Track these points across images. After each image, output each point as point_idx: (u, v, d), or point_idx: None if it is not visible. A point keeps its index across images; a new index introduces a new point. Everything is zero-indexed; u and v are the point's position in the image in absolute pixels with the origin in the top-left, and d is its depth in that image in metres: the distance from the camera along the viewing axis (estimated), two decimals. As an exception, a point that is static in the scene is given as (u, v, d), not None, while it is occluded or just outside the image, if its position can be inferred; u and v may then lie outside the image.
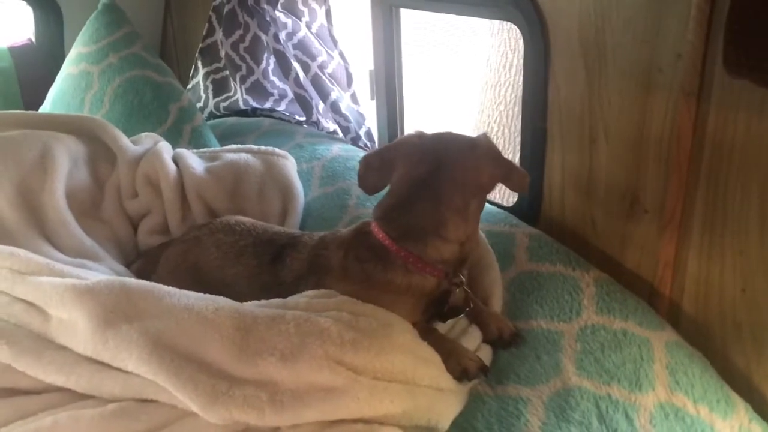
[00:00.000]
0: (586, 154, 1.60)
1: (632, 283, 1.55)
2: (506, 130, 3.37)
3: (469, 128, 3.50)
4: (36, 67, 3.00)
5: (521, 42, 1.73)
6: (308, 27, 2.48)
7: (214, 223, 1.75)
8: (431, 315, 1.42)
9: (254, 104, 2.75)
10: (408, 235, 1.38)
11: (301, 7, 2.46)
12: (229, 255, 1.62)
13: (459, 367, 1.31)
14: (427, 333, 1.37)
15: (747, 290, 1.35)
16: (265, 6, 2.45)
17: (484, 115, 3.81)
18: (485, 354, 1.40)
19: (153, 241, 1.91)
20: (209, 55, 2.81)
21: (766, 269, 1.31)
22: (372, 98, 2.39)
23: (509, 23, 1.98)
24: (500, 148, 3.34)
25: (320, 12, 2.46)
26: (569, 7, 1.53)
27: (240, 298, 1.40)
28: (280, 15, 2.46)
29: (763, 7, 1.02)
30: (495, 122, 3.85)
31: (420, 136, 1.46)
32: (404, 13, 2.19)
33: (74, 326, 1.30)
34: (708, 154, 1.36)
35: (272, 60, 2.63)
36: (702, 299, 1.45)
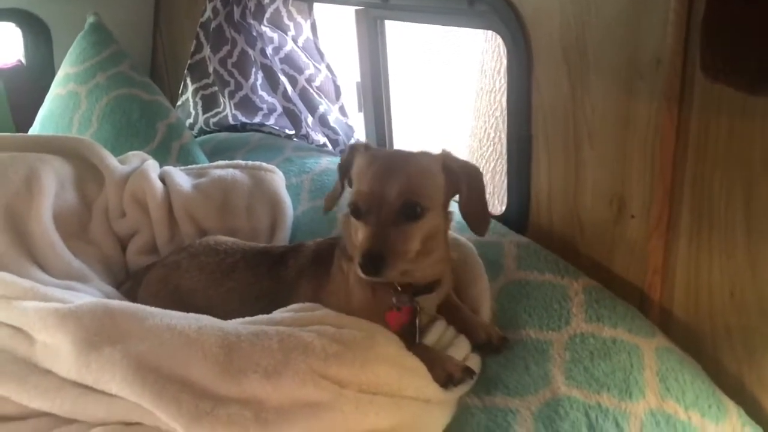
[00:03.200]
0: (572, 160, 1.60)
1: (622, 289, 1.54)
2: (502, 135, 3.36)
3: (465, 134, 3.51)
4: (26, 88, 3.00)
5: (506, 50, 1.72)
6: (294, 41, 2.49)
7: (194, 246, 1.75)
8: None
9: (243, 119, 2.75)
10: None
11: (286, 21, 2.46)
12: (216, 274, 1.62)
13: (444, 373, 1.30)
14: (410, 343, 1.36)
15: (735, 293, 1.34)
16: (251, 21, 2.46)
17: (480, 121, 3.81)
18: (474, 363, 1.39)
19: (142, 260, 1.90)
20: (198, 71, 2.82)
21: (754, 272, 1.30)
22: (360, 110, 2.39)
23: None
24: (497, 154, 3.33)
25: (305, 26, 2.47)
26: (550, 14, 1.53)
27: (230, 313, 1.40)
28: (266, 30, 2.46)
29: (736, 12, 1.01)
30: (491, 128, 3.85)
31: None
32: (390, 24, 2.19)
33: (58, 350, 1.29)
34: (692, 158, 1.36)
35: (260, 74, 2.64)
36: (692, 304, 1.44)
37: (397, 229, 1.27)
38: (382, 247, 1.24)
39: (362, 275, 1.24)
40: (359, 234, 1.29)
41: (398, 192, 1.27)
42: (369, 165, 1.33)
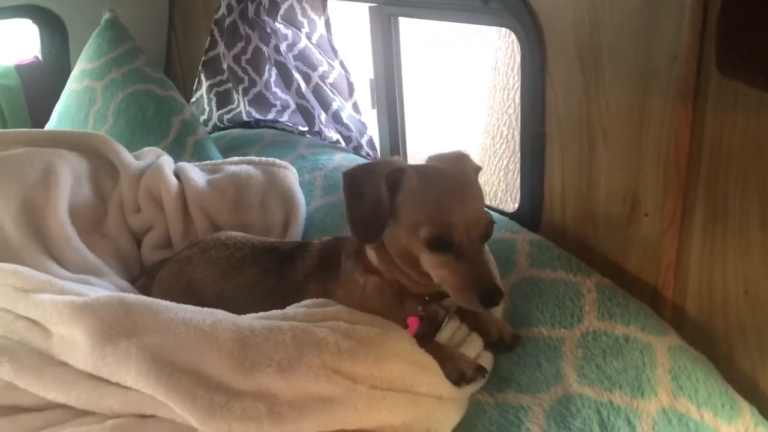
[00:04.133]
0: (586, 158, 1.59)
1: (635, 287, 1.54)
2: (515, 133, 3.34)
3: (478, 132, 3.49)
4: (42, 85, 3.02)
5: (520, 47, 1.72)
6: (308, 38, 2.49)
7: (205, 240, 1.77)
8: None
9: (257, 116, 2.76)
10: None
11: (300, 18, 2.47)
12: (225, 269, 1.63)
13: (455, 371, 1.30)
14: (423, 340, 1.36)
15: (750, 292, 1.33)
16: (266, 18, 2.47)
17: (493, 119, 3.80)
18: (486, 361, 1.40)
19: (156, 255, 1.92)
20: (212, 67, 2.83)
21: (768, 271, 1.29)
22: (373, 107, 2.39)
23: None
24: (510, 152, 3.33)
25: (319, 22, 2.47)
26: (564, 11, 1.52)
27: (238, 309, 1.41)
28: (280, 26, 2.47)
29: (751, 9, 1.01)
30: (504, 125, 3.84)
31: None
32: (404, 21, 2.19)
33: (74, 342, 1.30)
34: (707, 156, 1.35)
35: (274, 71, 2.64)
36: (705, 302, 1.43)
37: (483, 251, 1.28)
38: (491, 276, 1.24)
39: (481, 309, 1.25)
40: (452, 273, 1.24)
41: (483, 218, 1.27)
42: (437, 199, 1.26)
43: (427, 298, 1.39)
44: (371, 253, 1.40)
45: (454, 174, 1.32)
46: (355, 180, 1.33)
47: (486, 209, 1.31)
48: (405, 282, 1.37)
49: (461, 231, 1.23)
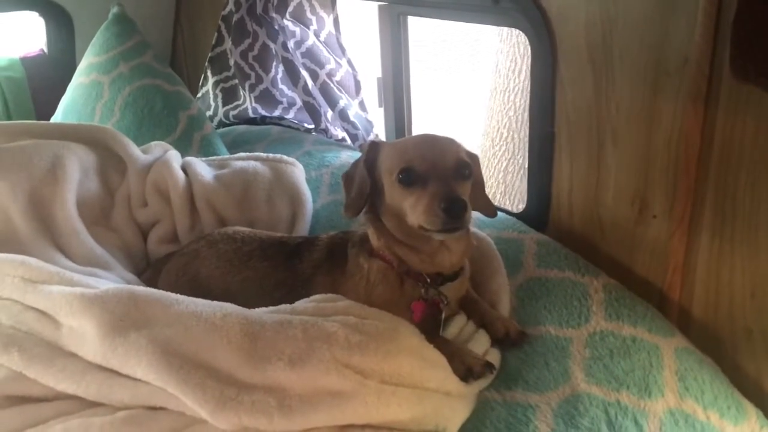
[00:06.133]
0: (594, 158, 1.60)
1: (642, 289, 1.54)
2: (515, 135, 3.36)
3: (478, 134, 3.51)
4: (48, 77, 3.02)
5: (530, 47, 1.73)
6: (316, 35, 2.50)
7: (212, 235, 1.77)
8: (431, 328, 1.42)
9: (263, 112, 2.76)
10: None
11: (309, 15, 2.47)
12: (233, 262, 1.63)
13: (463, 367, 1.31)
14: (431, 336, 1.36)
15: (756, 295, 1.34)
16: (274, 15, 2.47)
17: (493, 121, 3.81)
18: (494, 358, 1.40)
19: (162, 249, 1.92)
20: (218, 63, 2.83)
21: (776, 274, 1.30)
22: (380, 105, 2.40)
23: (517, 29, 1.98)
24: (510, 154, 3.35)
25: (328, 20, 2.48)
26: (576, 12, 1.53)
27: (246, 303, 1.41)
28: (288, 24, 2.47)
29: (766, 15, 1.02)
30: (504, 128, 3.85)
31: None
32: (412, 21, 2.20)
33: (84, 334, 1.30)
34: (716, 158, 1.36)
35: (281, 68, 2.65)
36: (712, 304, 1.44)
37: (457, 186, 1.32)
38: (456, 192, 1.28)
39: (445, 223, 1.25)
40: (419, 199, 1.30)
41: (450, 155, 1.34)
42: (405, 145, 1.38)
43: (428, 280, 1.40)
44: (372, 235, 1.45)
45: (425, 134, 1.44)
46: (349, 174, 1.48)
47: (463, 154, 1.38)
48: (403, 255, 1.40)
49: (426, 164, 1.31)
